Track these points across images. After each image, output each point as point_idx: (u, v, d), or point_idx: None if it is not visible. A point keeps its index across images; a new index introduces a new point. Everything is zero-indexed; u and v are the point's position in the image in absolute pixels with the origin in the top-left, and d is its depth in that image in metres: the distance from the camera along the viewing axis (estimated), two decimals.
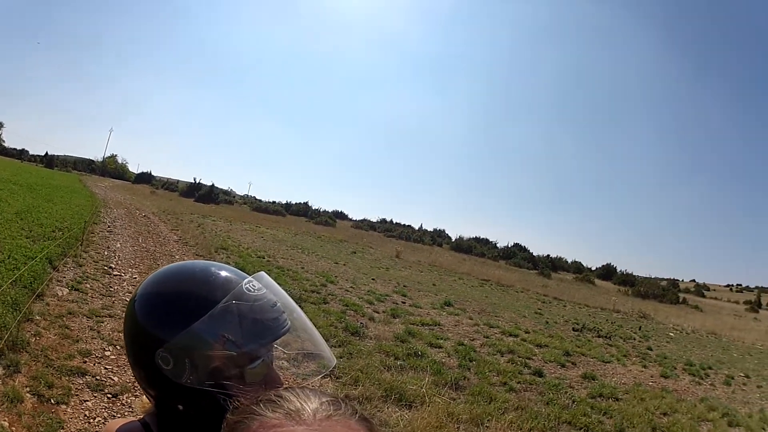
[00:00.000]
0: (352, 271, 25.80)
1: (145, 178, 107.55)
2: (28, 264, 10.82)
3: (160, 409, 1.53)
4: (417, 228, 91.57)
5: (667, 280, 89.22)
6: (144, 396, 1.61)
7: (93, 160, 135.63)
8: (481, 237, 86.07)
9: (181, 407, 1.47)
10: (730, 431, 10.75)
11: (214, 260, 1.64)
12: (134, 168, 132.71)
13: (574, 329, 20.60)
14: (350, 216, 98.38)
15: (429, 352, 12.05)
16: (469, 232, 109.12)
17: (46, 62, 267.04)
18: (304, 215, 79.68)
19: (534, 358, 13.93)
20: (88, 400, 6.51)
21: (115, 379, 7.26)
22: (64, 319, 9.11)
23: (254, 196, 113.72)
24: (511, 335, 16.38)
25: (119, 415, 6.14)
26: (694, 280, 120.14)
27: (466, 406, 8.86)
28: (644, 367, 15.69)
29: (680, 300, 59.12)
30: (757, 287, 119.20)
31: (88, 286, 11.88)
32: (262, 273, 1.62)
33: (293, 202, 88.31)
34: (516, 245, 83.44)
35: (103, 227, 23.27)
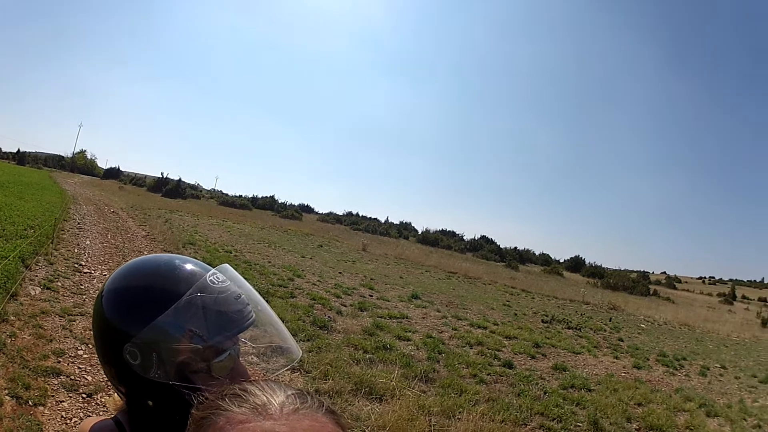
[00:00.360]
0: (319, 265, 25.89)
1: (114, 173, 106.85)
2: (1, 263, 10.79)
3: (131, 406, 1.54)
4: (383, 221, 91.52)
5: (637, 272, 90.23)
6: (116, 394, 1.62)
7: (63, 156, 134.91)
8: (448, 230, 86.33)
9: (151, 403, 1.48)
10: (709, 421, 10.88)
11: (182, 255, 1.64)
12: (103, 163, 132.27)
13: (543, 321, 20.82)
14: (316, 209, 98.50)
15: (397, 345, 12.12)
16: (435, 225, 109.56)
17: (16, 58, 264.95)
18: (271, 209, 79.29)
19: (503, 349, 14.07)
20: (63, 401, 6.51)
21: (89, 378, 7.25)
22: (38, 318, 9.09)
23: (221, 191, 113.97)
24: (479, 327, 16.52)
25: (94, 415, 6.13)
26: (665, 273, 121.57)
27: (437, 398, 8.94)
28: (616, 358, 15.91)
29: (651, 292, 59.71)
30: (731, 280, 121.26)
31: (60, 284, 11.83)
32: (226, 265, 1.64)
33: (259, 196, 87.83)
34: (483, 237, 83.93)
35: (72, 224, 23.18)
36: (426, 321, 16.13)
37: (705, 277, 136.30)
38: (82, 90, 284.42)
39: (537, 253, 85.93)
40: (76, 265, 14.15)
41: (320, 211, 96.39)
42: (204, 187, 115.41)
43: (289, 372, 8.93)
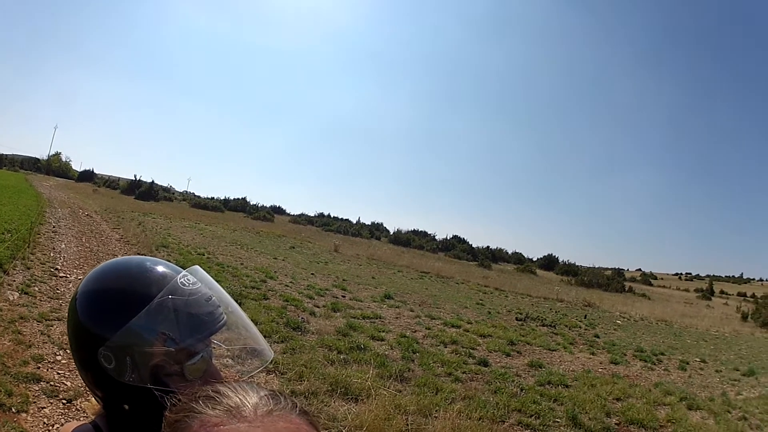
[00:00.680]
0: (291, 266, 25.86)
1: (88, 176, 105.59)
2: None
3: (108, 410, 1.57)
4: (355, 222, 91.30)
5: (611, 269, 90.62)
6: (93, 398, 1.63)
7: (39, 159, 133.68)
8: (420, 230, 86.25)
9: (127, 407, 1.50)
10: (691, 415, 10.99)
11: (154, 257, 1.66)
12: (77, 166, 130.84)
13: (517, 319, 20.94)
14: (288, 211, 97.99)
15: (372, 345, 12.14)
16: (407, 225, 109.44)
17: None
18: (243, 211, 78.88)
19: (478, 348, 14.13)
20: (45, 407, 6.50)
21: (68, 384, 7.23)
22: (17, 324, 9.05)
23: (193, 192, 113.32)
24: (453, 326, 16.57)
25: (75, 420, 6.12)
26: (640, 270, 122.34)
27: (413, 397, 8.96)
28: (592, 354, 16.05)
29: (626, 288, 60.16)
30: (708, 276, 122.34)
31: (37, 289, 11.78)
32: (197, 267, 1.67)
33: (231, 198, 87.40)
34: (455, 237, 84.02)
35: (48, 228, 22.99)
36: (399, 321, 16.17)
37: (681, 274, 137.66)
38: (56, 92, 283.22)
39: (510, 251, 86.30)
40: (52, 270, 14.06)
41: (292, 213, 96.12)
42: (176, 189, 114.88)
43: (264, 373, 8.95)
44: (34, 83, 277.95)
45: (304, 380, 8.86)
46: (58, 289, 12.25)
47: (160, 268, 1.59)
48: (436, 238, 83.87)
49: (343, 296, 18.98)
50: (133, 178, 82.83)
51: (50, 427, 6.07)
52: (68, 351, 8.04)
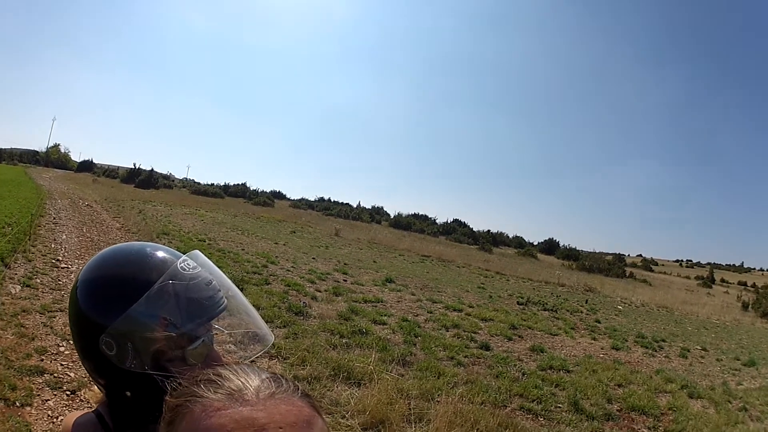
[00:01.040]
0: (293, 251, 25.82)
1: (87, 166, 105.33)
2: None
3: (110, 398, 1.57)
4: (355, 206, 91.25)
5: (612, 254, 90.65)
6: (95, 386, 1.64)
7: (37, 151, 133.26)
8: (420, 213, 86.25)
9: (129, 393, 1.50)
10: (692, 403, 11.00)
11: (154, 243, 1.66)
12: (76, 157, 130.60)
13: (518, 303, 20.96)
14: (288, 196, 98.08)
15: (373, 329, 12.16)
16: (407, 209, 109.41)
17: None
18: (243, 196, 78.67)
19: (480, 332, 14.16)
20: (49, 400, 6.49)
21: (72, 375, 7.22)
22: (19, 317, 9.03)
23: (193, 179, 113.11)
24: (455, 310, 16.60)
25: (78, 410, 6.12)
26: (641, 255, 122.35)
27: (415, 381, 9.00)
28: (594, 339, 16.08)
29: (627, 274, 59.97)
30: (709, 263, 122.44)
31: (39, 281, 11.73)
32: (197, 252, 1.68)
33: (231, 184, 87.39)
34: (456, 221, 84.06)
35: (48, 219, 22.88)
36: (401, 304, 16.18)
37: (682, 260, 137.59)
38: (53, 85, 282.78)
39: (510, 235, 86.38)
40: (53, 261, 14.02)
41: (292, 198, 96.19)
42: (176, 176, 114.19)
43: (267, 358, 8.98)
44: (31, 76, 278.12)
45: (307, 365, 8.87)
46: (59, 280, 12.23)
47: (160, 254, 1.59)
48: (437, 221, 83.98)
49: (345, 280, 18.99)
50: (133, 167, 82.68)
51: (54, 419, 6.08)
52: (71, 342, 8.03)
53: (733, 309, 37.22)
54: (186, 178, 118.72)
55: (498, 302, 20.23)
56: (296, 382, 0.98)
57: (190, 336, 1.48)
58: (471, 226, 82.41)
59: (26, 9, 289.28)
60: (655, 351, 15.92)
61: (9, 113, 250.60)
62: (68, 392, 6.77)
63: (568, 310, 21.29)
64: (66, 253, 15.42)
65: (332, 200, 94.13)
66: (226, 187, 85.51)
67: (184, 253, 1.64)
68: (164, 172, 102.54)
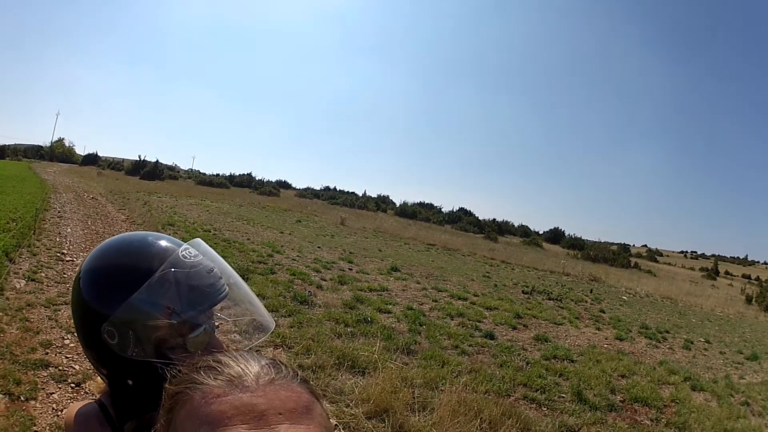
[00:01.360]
0: (298, 240, 25.84)
1: (92, 159, 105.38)
2: None
3: (113, 387, 1.58)
4: (361, 195, 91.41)
5: (617, 244, 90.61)
6: (98, 377, 1.65)
7: (42, 146, 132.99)
8: (426, 202, 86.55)
9: (130, 382, 1.52)
10: (695, 396, 11.00)
11: (155, 232, 1.67)
12: (81, 150, 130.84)
13: (523, 292, 20.97)
14: (294, 185, 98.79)
15: (378, 318, 12.17)
16: (413, 198, 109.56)
17: None
18: (248, 186, 79.01)
19: (484, 321, 14.20)
20: (53, 393, 6.51)
21: (77, 367, 7.24)
22: (24, 311, 9.03)
23: (198, 170, 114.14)
24: (459, 299, 16.64)
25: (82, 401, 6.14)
26: (645, 246, 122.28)
27: (420, 370, 9.00)
28: (598, 329, 16.09)
29: (632, 264, 59.84)
30: (713, 255, 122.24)
31: (43, 274, 11.74)
32: (198, 240, 1.68)
33: (237, 174, 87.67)
34: (461, 209, 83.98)
35: (53, 213, 22.88)
36: (406, 293, 16.20)
37: (687, 252, 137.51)
38: (57, 79, 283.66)
39: (516, 224, 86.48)
40: (58, 254, 14.04)
41: (298, 187, 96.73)
42: (181, 167, 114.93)
43: (271, 348, 9.01)
44: (34, 73, 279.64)
45: (312, 354, 8.89)
46: (64, 273, 12.24)
47: (162, 243, 1.60)
48: (443, 210, 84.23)
49: (350, 269, 19.00)
50: (138, 159, 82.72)
51: (59, 413, 6.09)
52: (75, 334, 8.06)
53: (736, 302, 37.10)
54: (191, 169, 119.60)
55: (503, 291, 20.27)
56: (296, 368, 0.98)
57: (192, 324, 1.49)
58: (476, 215, 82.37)
59: (27, 6, 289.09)
60: (659, 342, 15.91)
61: (13, 110, 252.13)
62: (73, 385, 6.80)
63: (572, 300, 21.29)
64: (71, 246, 15.46)
65: (338, 189, 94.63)
66: (231, 177, 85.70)
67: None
68: (169, 163, 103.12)
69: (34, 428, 5.71)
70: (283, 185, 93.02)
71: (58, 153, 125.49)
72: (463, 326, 13.07)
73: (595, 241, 78.34)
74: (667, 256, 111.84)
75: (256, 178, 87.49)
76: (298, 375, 0.95)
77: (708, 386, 11.77)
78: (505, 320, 14.47)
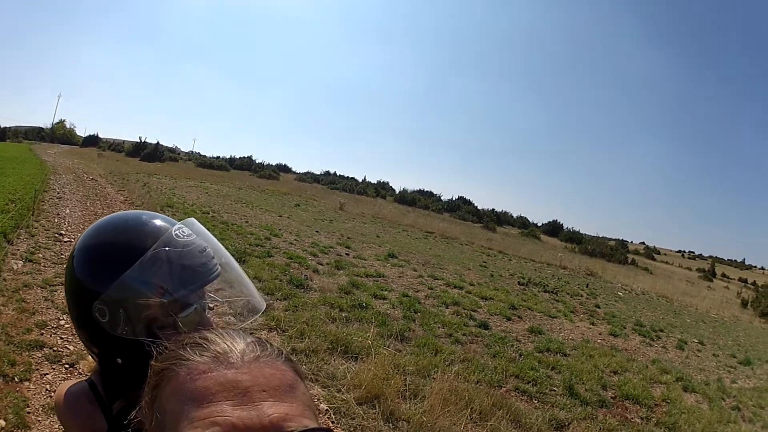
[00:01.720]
0: (296, 224, 25.96)
1: (92, 141, 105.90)
2: None
3: (103, 366, 1.59)
4: (360, 180, 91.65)
5: (615, 240, 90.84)
6: (89, 356, 1.66)
7: (43, 128, 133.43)
8: (425, 189, 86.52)
9: (120, 361, 1.52)
10: (686, 396, 11.04)
11: (150, 211, 1.68)
12: (82, 132, 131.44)
13: (519, 283, 21.03)
14: (294, 169, 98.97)
15: (373, 304, 12.21)
16: (413, 185, 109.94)
17: None
18: (248, 169, 79.08)
19: (479, 310, 14.23)
20: (47, 374, 6.53)
21: (71, 348, 7.25)
22: (21, 292, 9.04)
23: (199, 152, 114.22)
24: (455, 287, 16.68)
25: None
26: (643, 243, 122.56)
27: (412, 357, 9.05)
28: (592, 324, 16.13)
29: (629, 261, 60.07)
30: (711, 257, 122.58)
31: (41, 255, 11.76)
32: (192, 219, 1.69)
33: (237, 157, 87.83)
34: (461, 198, 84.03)
35: (52, 194, 22.87)
36: (402, 280, 16.24)
37: (684, 251, 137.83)
38: (58, 60, 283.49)
39: (515, 215, 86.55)
40: (56, 235, 14.05)
41: (298, 171, 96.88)
42: (182, 149, 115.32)
43: (266, 331, 9.06)
44: (35, 53, 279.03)
45: (306, 338, 8.91)
46: (62, 254, 12.23)
47: (156, 221, 1.61)
48: (442, 198, 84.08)
49: (347, 254, 19.05)
50: (138, 141, 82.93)
51: (52, 393, 6.07)
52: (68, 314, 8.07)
53: (732, 305, 37.20)
54: (192, 151, 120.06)
55: (499, 281, 20.33)
56: (280, 347, 0.98)
57: (183, 303, 1.50)
58: (476, 204, 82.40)
59: None
60: (653, 340, 15.95)
61: (14, 92, 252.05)
62: (67, 365, 6.82)
63: (568, 293, 21.37)
64: (69, 227, 15.47)
65: (338, 174, 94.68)
66: (231, 160, 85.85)
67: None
68: (170, 145, 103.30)
69: (27, 409, 5.72)
70: (283, 169, 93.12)
71: (59, 135, 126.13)
72: (457, 315, 13.09)
73: (594, 236, 78.36)
74: (665, 254, 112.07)
75: (257, 162, 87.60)
76: (282, 353, 0.96)
77: (700, 388, 11.80)
78: (500, 311, 14.49)
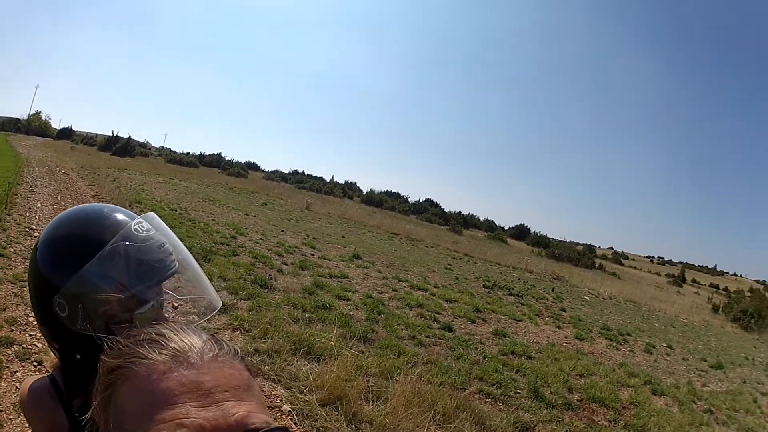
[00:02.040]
0: (262, 223, 25.93)
1: (66, 133, 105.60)
2: None
3: (64, 362, 1.60)
4: (328, 180, 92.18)
5: (583, 245, 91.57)
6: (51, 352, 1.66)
7: (19, 119, 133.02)
8: (393, 191, 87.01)
9: (78, 357, 1.53)
10: (655, 399, 11.18)
11: (112, 204, 1.69)
12: (56, 124, 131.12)
13: (484, 286, 21.11)
14: (262, 167, 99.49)
15: (337, 305, 12.19)
16: (380, 186, 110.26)
17: None
18: (217, 166, 79.56)
19: (443, 312, 14.28)
20: (17, 371, 6.46)
21: (39, 345, 7.16)
22: None
23: (169, 148, 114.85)
24: (420, 289, 16.72)
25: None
26: (611, 248, 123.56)
27: (375, 359, 9.03)
28: (558, 327, 16.27)
29: (596, 265, 60.58)
30: (681, 262, 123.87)
31: (12, 250, 11.64)
32: (152, 214, 1.71)
33: (207, 153, 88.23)
34: (428, 200, 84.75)
35: (25, 188, 22.62)
36: (366, 281, 16.25)
37: (653, 257, 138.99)
38: (34, 51, 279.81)
39: (482, 219, 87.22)
40: (27, 230, 13.94)
41: (266, 169, 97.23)
42: (153, 144, 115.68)
43: (229, 331, 9.05)
44: (10, 43, 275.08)
45: (269, 338, 8.87)
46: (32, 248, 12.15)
47: (116, 215, 1.61)
48: (409, 200, 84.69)
49: (312, 254, 19.02)
50: (111, 134, 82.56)
51: None
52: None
53: (702, 310, 37.74)
54: (163, 147, 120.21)
55: (464, 284, 20.39)
56: (233, 344, 0.99)
57: (140, 299, 1.51)
58: (443, 207, 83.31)
59: None
60: (620, 344, 16.11)
61: None
62: (35, 363, 6.74)
63: (534, 297, 21.50)
64: (40, 222, 15.27)
65: (306, 173, 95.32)
66: (201, 156, 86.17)
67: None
68: (142, 140, 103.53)
69: None
70: (252, 167, 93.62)
71: (35, 126, 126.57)
72: (421, 317, 13.13)
73: (561, 240, 79.28)
74: (633, 259, 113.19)
75: (226, 159, 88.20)
76: (238, 352, 0.97)
77: (669, 391, 11.96)
78: (464, 313, 14.54)
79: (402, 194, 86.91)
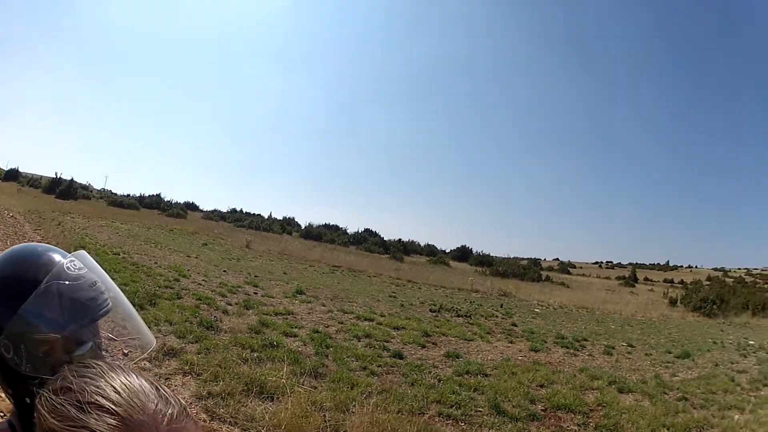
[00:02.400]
0: (204, 264, 25.99)
1: (13, 175, 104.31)
2: None
3: (18, 407, 1.56)
4: (267, 216, 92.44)
5: (527, 259, 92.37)
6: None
7: None
8: (331, 223, 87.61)
9: (28, 401, 1.48)
10: (623, 397, 11.37)
11: (46, 244, 1.69)
12: (4, 164, 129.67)
13: (431, 310, 21.25)
14: (201, 207, 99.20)
15: (284, 342, 12.13)
16: (318, 220, 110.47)
17: None
18: (157, 208, 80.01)
19: (392, 340, 14.31)
20: None
21: None
22: None
23: (110, 190, 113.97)
24: (366, 320, 16.73)
25: None
26: (557, 259, 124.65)
27: (329, 393, 8.99)
28: (511, 342, 16.41)
29: (544, 278, 61.38)
30: (630, 264, 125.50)
31: None
32: (83, 252, 1.72)
33: (146, 195, 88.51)
34: (366, 230, 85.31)
35: None
36: (312, 316, 16.22)
37: (602, 262, 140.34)
38: None
39: (422, 244, 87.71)
40: None
41: (205, 209, 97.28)
42: (95, 186, 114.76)
43: (180, 375, 8.97)
44: None
45: (220, 380, 8.78)
46: None
47: (49, 254, 1.61)
48: (348, 231, 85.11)
49: (255, 293, 18.99)
50: (54, 177, 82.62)
51: None
52: None
53: (659, 305, 38.54)
54: (104, 189, 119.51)
55: (410, 310, 20.48)
56: (179, 398, 0.94)
57: (78, 339, 1.49)
58: (382, 236, 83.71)
59: None
60: (577, 350, 16.34)
61: None
62: None
63: (482, 315, 21.65)
64: None
65: (244, 211, 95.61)
66: (141, 198, 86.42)
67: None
68: (84, 182, 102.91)
69: None
70: (191, 207, 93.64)
71: None
72: (370, 347, 13.12)
73: (504, 257, 79.80)
74: (581, 267, 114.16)
75: (165, 200, 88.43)
76: (185, 408, 0.92)
77: (636, 387, 12.21)
78: (413, 339, 14.60)
79: (340, 226, 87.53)
